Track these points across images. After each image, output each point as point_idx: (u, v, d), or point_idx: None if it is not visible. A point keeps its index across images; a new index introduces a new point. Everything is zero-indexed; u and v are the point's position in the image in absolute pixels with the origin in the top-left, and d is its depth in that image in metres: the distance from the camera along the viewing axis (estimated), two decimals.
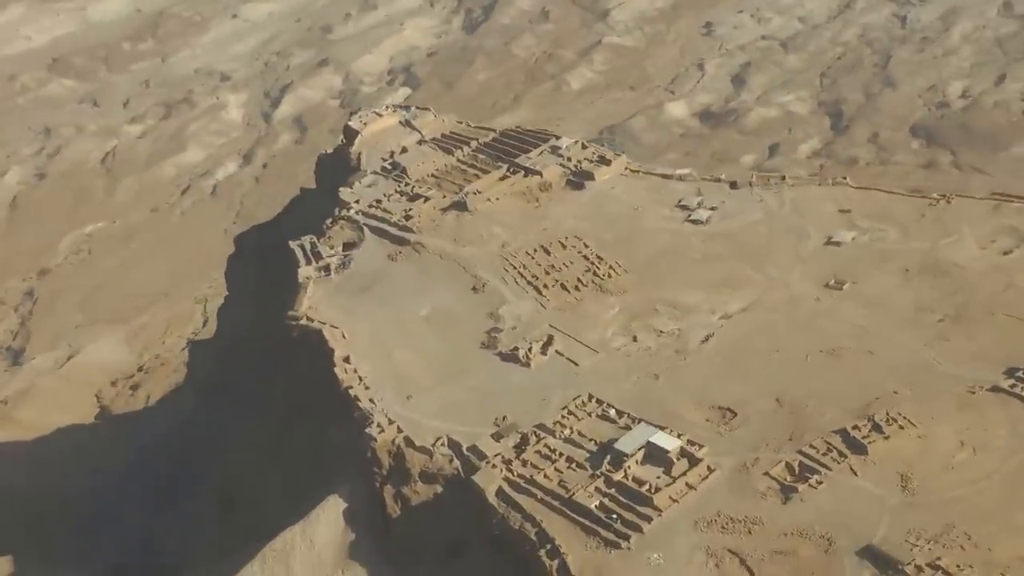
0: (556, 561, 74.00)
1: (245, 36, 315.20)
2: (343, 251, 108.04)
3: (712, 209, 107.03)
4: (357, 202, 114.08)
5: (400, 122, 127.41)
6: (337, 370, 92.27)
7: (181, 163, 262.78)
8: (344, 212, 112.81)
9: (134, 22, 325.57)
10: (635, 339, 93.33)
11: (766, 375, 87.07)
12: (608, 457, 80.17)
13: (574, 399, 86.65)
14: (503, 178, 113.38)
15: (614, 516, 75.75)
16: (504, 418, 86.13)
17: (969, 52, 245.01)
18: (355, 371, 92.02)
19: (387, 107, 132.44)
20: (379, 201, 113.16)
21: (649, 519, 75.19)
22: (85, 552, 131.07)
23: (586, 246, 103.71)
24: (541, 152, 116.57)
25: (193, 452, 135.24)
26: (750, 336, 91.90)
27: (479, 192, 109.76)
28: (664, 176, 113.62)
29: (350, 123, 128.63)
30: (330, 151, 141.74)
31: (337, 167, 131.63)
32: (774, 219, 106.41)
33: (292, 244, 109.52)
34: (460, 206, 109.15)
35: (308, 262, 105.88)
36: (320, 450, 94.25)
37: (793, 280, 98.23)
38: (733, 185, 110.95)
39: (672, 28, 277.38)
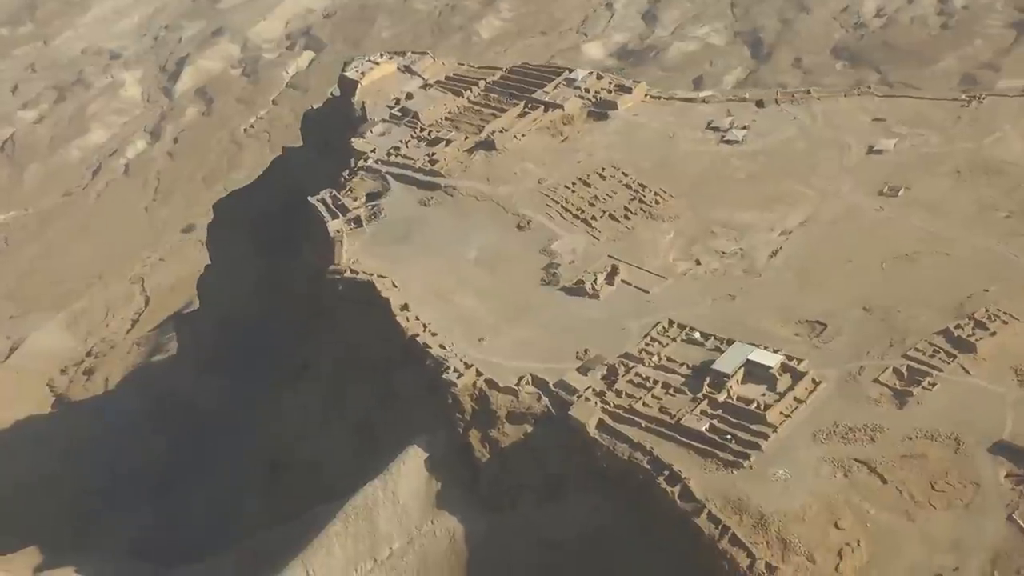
0: (678, 487, 71.52)
1: (128, 12, 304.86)
2: (367, 202, 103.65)
3: (745, 128, 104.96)
4: (373, 151, 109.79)
5: (398, 68, 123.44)
6: (399, 319, 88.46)
7: (86, 145, 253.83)
8: (361, 162, 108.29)
9: (10, 6, 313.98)
10: (698, 262, 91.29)
11: (845, 285, 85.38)
12: (707, 379, 78.02)
13: (654, 326, 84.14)
14: (522, 115, 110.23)
15: (728, 437, 73.59)
16: (586, 351, 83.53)
17: None
18: (417, 319, 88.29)
19: (381, 55, 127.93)
20: (397, 148, 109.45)
21: (765, 436, 73.28)
22: (104, 533, 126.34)
23: (625, 175, 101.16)
24: (556, 85, 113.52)
25: (206, 425, 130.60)
26: (817, 249, 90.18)
27: (505, 130, 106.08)
28: (687, 100, 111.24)
29: (346, 73, 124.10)
30: (317, 106, 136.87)
31: (330, 121, 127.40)
32: (810, 133, 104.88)
33: (312, 199, 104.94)
34: (487, 145, 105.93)
35: (334, 216, 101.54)
36: (382, 404, 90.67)
37: (845, 191, 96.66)
38: (759, 103, 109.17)
39: None
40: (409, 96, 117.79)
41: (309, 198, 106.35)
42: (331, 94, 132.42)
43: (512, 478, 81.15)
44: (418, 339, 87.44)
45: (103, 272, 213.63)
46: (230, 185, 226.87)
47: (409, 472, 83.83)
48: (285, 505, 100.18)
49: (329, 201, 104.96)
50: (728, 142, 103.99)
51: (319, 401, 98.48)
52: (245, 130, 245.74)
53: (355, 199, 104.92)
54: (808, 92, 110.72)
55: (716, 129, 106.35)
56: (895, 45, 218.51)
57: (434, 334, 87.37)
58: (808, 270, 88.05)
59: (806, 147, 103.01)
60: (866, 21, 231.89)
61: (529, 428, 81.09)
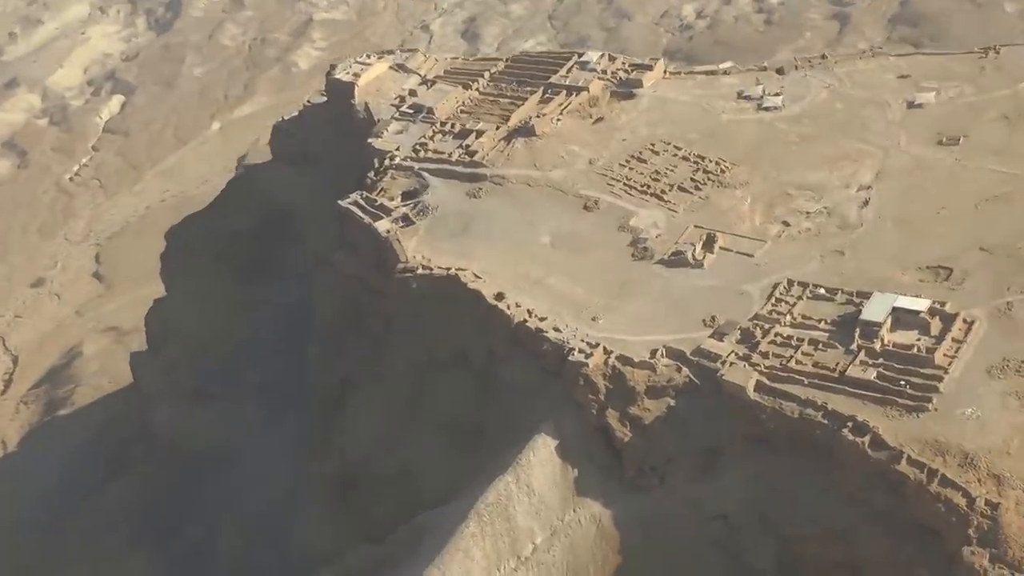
0: (867, 436, 69.99)
1: None
2: (407, 200, 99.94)
3: (778, 95, 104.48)
4: (398, 149, 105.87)
5: (391, 67, 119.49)
6: (501, 308, 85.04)
7: None
8: (388, 162, 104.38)
9: None
10: (786, 224, 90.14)
11: (950, 229, 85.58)
12: (857, 330, 76.77)
13: (775, 287, 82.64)
14: (545, 100, 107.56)
15: (902, 383, 72.26)
16: (713, 318, 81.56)
17: None
18: (518, 305, 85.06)
19: (368, 55, 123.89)
20: (424, 144, 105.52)
21: (940, 378, 72.58)
22: None
23: (678, 148, 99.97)
24: (570, 69, 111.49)
25: (200, 461, 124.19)
26: (905, 200, 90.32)
27: (541, 115, 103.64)
28: (708, 73, 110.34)
29: (337, 76, 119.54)
30: (288, 117, 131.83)
31: (315, 129, 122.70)
32: (843, 95, 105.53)
33: (344, 203, 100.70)
34: (525, 132, 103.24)
35: (376, 218, 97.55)
36: (485, 399, 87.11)
37: (904, 144, 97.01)
38: (779, 71, 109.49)
39: None
40: (413, 93, 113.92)
41: (340, 203, 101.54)
42: (307, 102, 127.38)
43: (659, 454, 78.61)
44: (527, 325, 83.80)
45: None
46: (71, 235, 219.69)
47: (541, 462, 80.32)
48: (363, 525, 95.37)
49: (363, 203, 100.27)
50: (767, 109, 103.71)
51: (396, 409, 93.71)
52: (71, 178, 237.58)
53: (391, 199, 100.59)
54: (824, 57, 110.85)
55: (749, 98, 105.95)
56: (728, 42, 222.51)
57: (542, 319, 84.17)
58: (905, 220, 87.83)
59: (845, 107, 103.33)
60: (690, 23, 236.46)
61: (671, 401, 78.75)
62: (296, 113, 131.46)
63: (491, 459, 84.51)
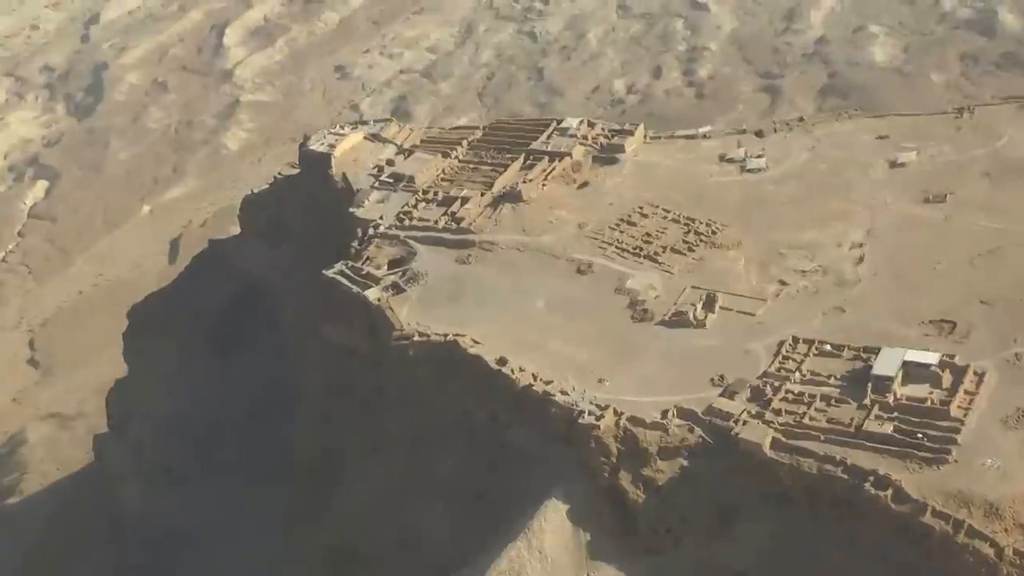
0: (889, 490, 69.87)
1: None
2: (393, 268, 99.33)
3: (760, 157, 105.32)
4: (381, 218, 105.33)
5: (365, 137, 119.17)
6: (503, 373, 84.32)
7: None
8: (372, 230, 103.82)
9: None
10: (783, 283, 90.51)
11: (949, 284, 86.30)
12: (870, 385, 76.86)
13: (780, 345, 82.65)
14: (527, 167, 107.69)
15: (919, 435, 72.40)
16: (722, 377, 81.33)
17: (613, 53, 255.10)
18: (522, 370, 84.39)
19: (340, 126, 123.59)
20: (408, 212, 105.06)
21: (957, 430, 72.68)
22: None
23: (667, 211, 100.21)
24: (550, 135, 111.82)
25: (180, 542, 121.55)
26: (897, 257, 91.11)
27: (526, 181, 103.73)
28: (688, 137, 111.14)
29: (310, 148, 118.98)
30: (256, 190, 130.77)
31: (290, 201, 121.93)
32: (824, 156, 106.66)
33: (329, 274, 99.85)
34: (512, 198, 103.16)
35: (364, 287, 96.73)
36: (489, 466, 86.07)
37: (891, 202, 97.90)
38: (759, 134, 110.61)
39: (304, 78, 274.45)
40: (391, 162, 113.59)
41: (325, 272, 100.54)
42: (278, 175, 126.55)
43: (673, 516, 77.95)
44: (533, 389, 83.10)
45: None
46: (2, 322, 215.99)
47: (553, 527, 79.36)
48: None
49: (349, 273, 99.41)
50: (751, 170, 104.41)
51: (394, 478, 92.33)
52: None
53: (378, 267, 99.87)
54: (801, 119, 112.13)
55: (731, 160, 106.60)
56: (662, 115, 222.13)
57: (548, 382, 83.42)
58: (902, 276, 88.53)
59: (828, 168, 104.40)
60: (622, 98, 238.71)
61: (684, 461, 78.15)
62: (266, 186, 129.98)
63: (499, 526, 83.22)
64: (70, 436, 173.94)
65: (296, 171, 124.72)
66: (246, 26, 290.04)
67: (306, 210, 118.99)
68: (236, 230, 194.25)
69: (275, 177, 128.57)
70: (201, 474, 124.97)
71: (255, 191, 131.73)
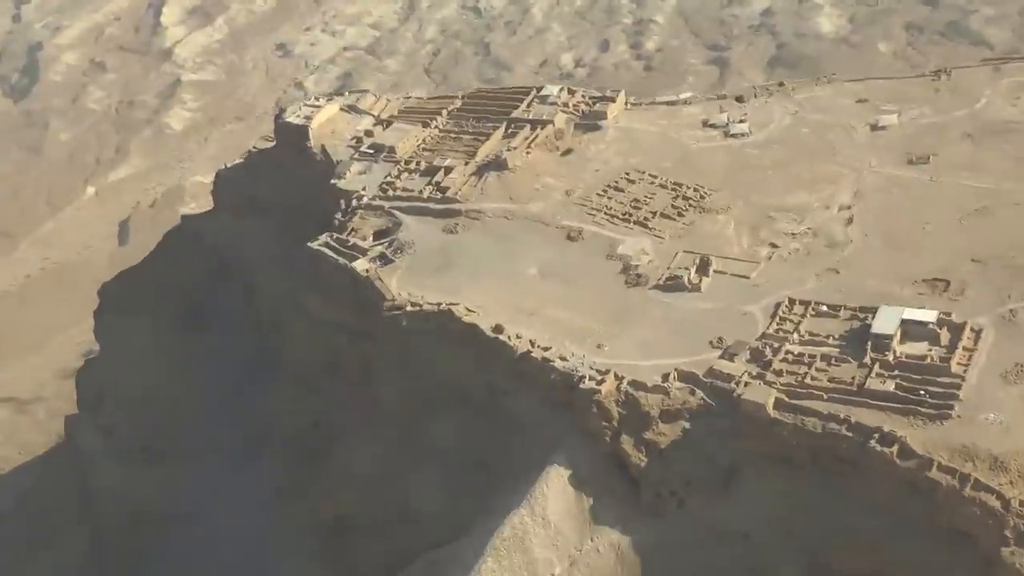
0: (894, 447, 70.52)
1: None
2: (378, 239, 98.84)
3: (743, 122, 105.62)
4: (364, 189, 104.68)
5: (342, 108, 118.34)
6: (502, 340, 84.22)
7: None
8: (355, 202, 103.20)
9: None
10: (774, 245, 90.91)
11: (939, 243, 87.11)
12: (869, 344, 77.45)
13: (776, 306, 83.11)
14: (510, 134, 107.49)
15: (922, 392, 73.04)
16: (720, 339, 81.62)
17: (559, 27, 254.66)
18: (519, 337, 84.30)
19: (318, 97, 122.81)
20: (391, 183, 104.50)
21: (958, 386, 73.44)
22: None
23: (653, 177, 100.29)
24: (530, 104, 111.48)
25: (157, 520, 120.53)
26: (886, 218, 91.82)
27: (511, 149, 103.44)
28: (669, 103, 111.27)
29: (287, 120, 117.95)
30: (229, 165, 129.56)
31: (262, 174, 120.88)
32: (806, 120, 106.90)
33: (313, 246, 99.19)
34: (497, 166, 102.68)
35: (351, 259, 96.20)
36: (488, 433, 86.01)
37: (875, 164, 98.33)
38: (739, 99, 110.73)
39: (245, 57, 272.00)
40: (369, 133, 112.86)
41: (310, 245, 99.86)
42: (252, 149, 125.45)
43: (676, 478, 78.22)
44: (532, 356, 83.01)
45: None
46: None
47: (555, 493, 79.45)
48: (355, 571, 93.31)
49: (336, 244, 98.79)
50: (735, 135, 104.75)
51: (389, 450, 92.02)
52: None
53: (363, 238, 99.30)
54: (781, 84, 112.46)
55: (714, 126, 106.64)
56: (611, 88, 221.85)
57: (546, 349, 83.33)
58: (892, 236, 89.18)
59: (811, 132, 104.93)
60: (570, 71, 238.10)
61: (686, 424, 78.35)
62: (239, 160, 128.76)
63: (500, 494, 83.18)
64: (30, 420, 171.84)
65: (271, 145, 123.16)
66: (183, 5, 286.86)
67: (282, 183, 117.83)
68: (186, 210, 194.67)
69: (249, 151, 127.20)
70: (179, 452, 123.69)
71: (228, 166, 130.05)
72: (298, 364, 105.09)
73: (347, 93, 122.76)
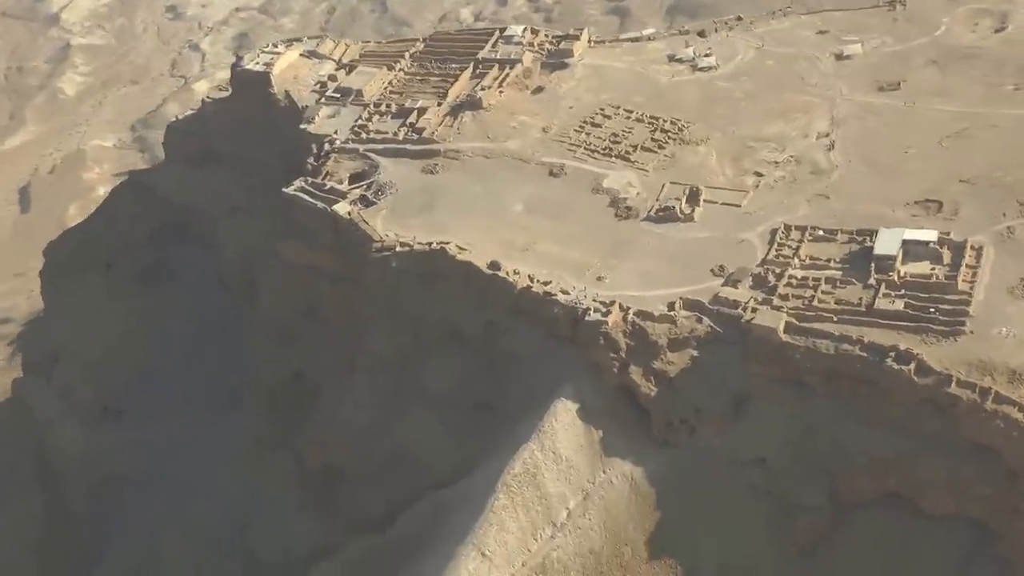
0: (912, 364, 71.54)
1: None
2: (355, 182, 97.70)
3: (708, 56, 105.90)
4: (336, 133, 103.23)
5: (301, 54, 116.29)
6: (500, 276, 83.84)
7: None
8: (328, 146, 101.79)
9: None
10: (759, 174, 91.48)
11: (924, 167, 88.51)
12: (872, 265, 78.37)
13: (772, 233, 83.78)
14: (478, 75, 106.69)
15: (932, 310, 74.21)
16: (721, 267, 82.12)
17: None
18: (516, 273, 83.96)
19: (273, 44, 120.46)
20: (363, 126, 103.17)
21: (967, 303, 74.68)
22: None
23: (628, 112, 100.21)
24: (495, 43, 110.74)
25: (126, 480, 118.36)
26: (866, 144, 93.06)
27: (484, 88, 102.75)
28: (633, 40, 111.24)
29: (244, 67, 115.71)
30: (182, 116, 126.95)
31: (220, 124, 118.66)
32: (771, 53, 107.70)
33: (288, 191, 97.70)
34: (471, 105, 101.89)
35: (330, 202, 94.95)
36: (487, 372, 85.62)
37: (847, 92, 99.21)
38: (701, 34, 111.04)
39: (135, 20, 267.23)
40: (333, 78, 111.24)
41: (284, 190, 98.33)
42: (207, 98, 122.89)
43: (687, 407, 78.60)
44: (532, 291, 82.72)
45: None
46: None
47: (564, 426, 79.38)
48: (350, 517, 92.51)
49: (312, 189, 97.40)
50: (703, 69, 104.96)
51: (382, 395, 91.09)
52: None
53: (340, 182, 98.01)
54: (739, 19, 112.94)
55: (680, 60, 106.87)
56: None
57: (545, 283, 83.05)
58: (876, 161, 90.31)
59: (776, 64, 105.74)
60: (470, 25, 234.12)
61: (694, 352, 78.61)
62: (192, 111, 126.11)
63: (504, 433, 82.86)
64: None
65: (226, 94, 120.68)
66: None
67: (241, 133, 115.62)
68: (87, 175, 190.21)
69: (203, 101, 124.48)
70: (144, 411, 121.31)
71: (180, 117, 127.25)
72: (273, 314, 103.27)
73: (304, 38, 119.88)
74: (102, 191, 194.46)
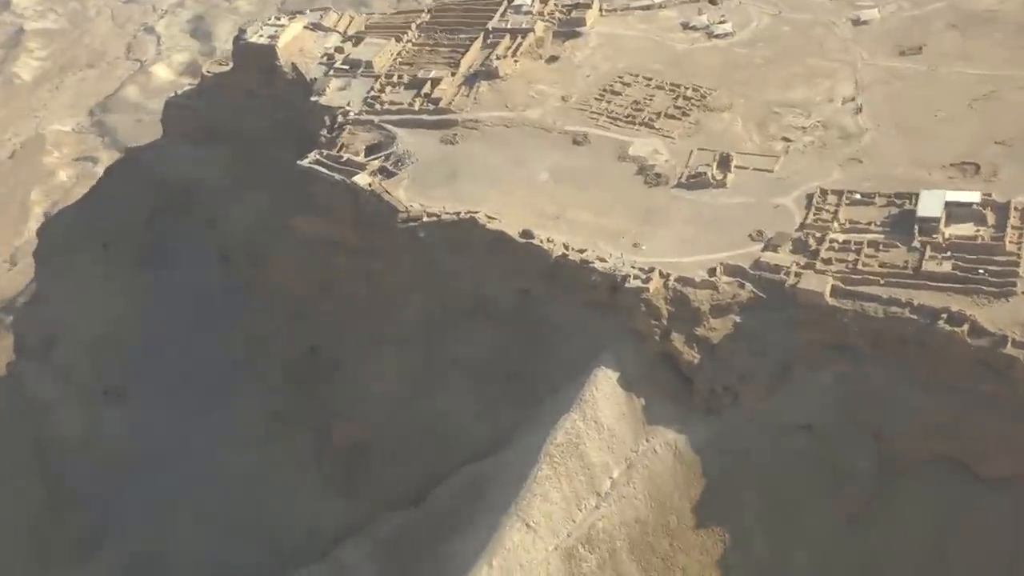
0: (964, 326, 70.81)
1: None
2: (371, 154, 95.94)
3: (724, 22, 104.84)
4: (348, 105, 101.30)
5: (306, 27, 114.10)
6: (534, 244, 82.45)
7: None
8: (342, 118, 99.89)
9: None
10: (787, 140, 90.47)
11: (956, 129, 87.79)
12: (916, 227, 77.59)
13: (808, 197, 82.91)
14: (490, 44, 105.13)
15: (980, 271, 73.57)
16: (760, 232, 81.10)
17: None
18: (550, 241, 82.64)
19: (275, 17, 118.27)
20: (376, 97, 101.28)
21: (1016, 263, 74.14)
22: None
23: (648, 79, 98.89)
24: (504, 13, 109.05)
25: (131, 461, 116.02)
26: (894, 108, 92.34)
27: (501, 57, 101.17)
28: (644, 8, 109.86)
29: (248, 41, 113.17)
30: (180, 92, 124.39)
31: (223, 98, 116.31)
32: (787, 19, 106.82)
33: (303, 164, 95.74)
34: (487, 75, 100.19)
35: (350, 174, 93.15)
36: (524, 342, 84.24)
37: (868, 57, 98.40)
38: (712, 1, 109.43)
39: (88, 3, 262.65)
40: (340, 50, 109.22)
41: (300, 163, 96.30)
42: (206, 72, 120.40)
43: (730, 373, 77.66)
44: (569, 259, 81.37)
45: None
46: None
47: (605, 395, 78.25)
48: (378, 492, 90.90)
49: (328, 161, 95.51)
50: (719, 36, 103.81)
51: (410, 368, 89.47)
52: None
53: (356, 153, 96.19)
54: None
55: (695, 28, 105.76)
56: None
57: (581, 251, 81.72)
58: (906, 125, 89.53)
59: (793, 30, 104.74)
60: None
61: (736, 318, 77.62)
62: (190, 87, 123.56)
63: (538, 403, 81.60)
64: None
65: (226, 69, 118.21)
66: None
67: (245, 107, 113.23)
68: (47, 159, 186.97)
69: (202, 75, 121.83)
70: (147, 392, 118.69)
71: (178, 92, 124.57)
72: (285, 290, 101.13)
73: (307, 10, 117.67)
74: (63, 176, 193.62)
